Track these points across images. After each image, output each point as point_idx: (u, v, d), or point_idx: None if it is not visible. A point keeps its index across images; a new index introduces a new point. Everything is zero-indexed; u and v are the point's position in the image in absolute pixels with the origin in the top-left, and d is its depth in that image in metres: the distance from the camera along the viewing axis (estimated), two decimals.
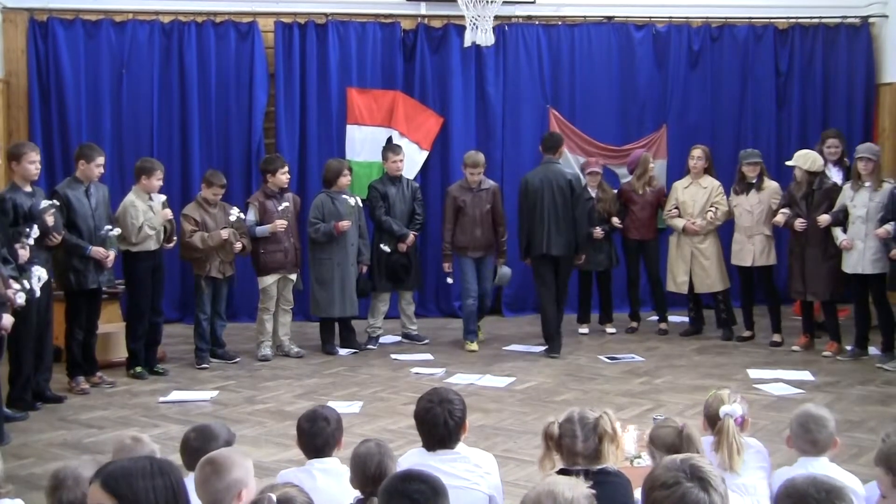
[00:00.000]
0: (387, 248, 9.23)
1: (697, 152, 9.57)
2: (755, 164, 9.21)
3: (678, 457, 2.64)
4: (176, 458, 3.81)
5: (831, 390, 7.72)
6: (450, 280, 9.55)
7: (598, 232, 9.60)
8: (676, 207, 9.54)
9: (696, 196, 9.46)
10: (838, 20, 11.24)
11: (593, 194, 9.76)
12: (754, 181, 9.20)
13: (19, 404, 7.15)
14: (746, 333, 9.56)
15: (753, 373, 8.17)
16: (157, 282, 8.37)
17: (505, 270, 9.47)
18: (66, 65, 10.10)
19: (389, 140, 10.17)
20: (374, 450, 3.62)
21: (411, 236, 9.27)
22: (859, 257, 8.48)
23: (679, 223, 9.48)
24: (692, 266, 9.48)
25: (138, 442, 3.91)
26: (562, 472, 3.55)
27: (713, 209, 9.35)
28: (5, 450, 6.01)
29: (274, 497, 2.70)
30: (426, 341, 9.53)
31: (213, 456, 3.40)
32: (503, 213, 9.36)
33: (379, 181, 9.52)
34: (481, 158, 9.24)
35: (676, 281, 9.63)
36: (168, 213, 8.33)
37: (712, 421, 4.13)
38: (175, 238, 8.48)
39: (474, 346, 9.17)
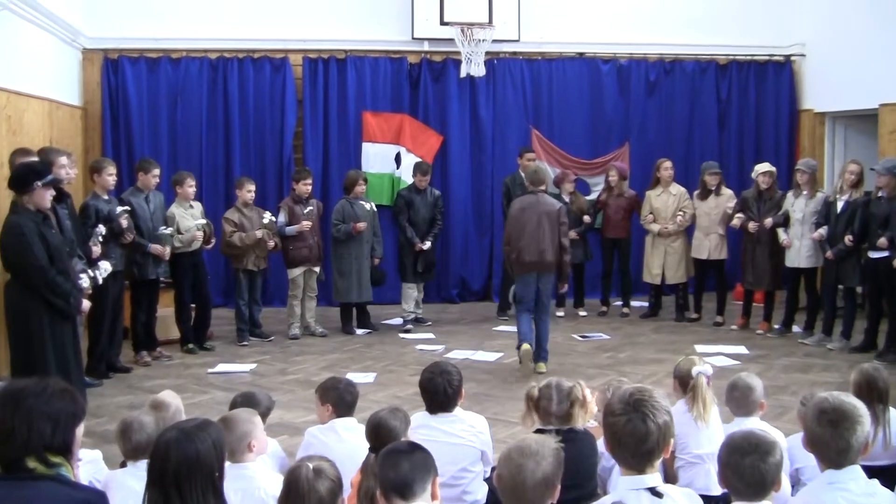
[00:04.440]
0: (424, 246, 9.20)
1: (669, 163, 9.60)
2: (716, 174, 9.27)
3: (629, 389, 2.67)
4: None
5: (762, 361, 7.79)
6: None
7: (573, 234, 9.65)
8: (651, 213, 9.58)
9: (668, 202, 9.49)
10: (767, 58, 11.32)
11: (567, 199, 9.81)
12: (713, 188, 9.25)
13: (95, 373, 7.27)
14: (694, 315, 9.62)
15: (700, 348, 8.21)
16: (200, 276, 8.39)
17: None
18: (132, 94, 10.12)
19: (421, 163, 9.71)
20: (384, 415, 3.59)
21: (418, 245, 9.21)
22: (796, 254, 8.56)
23: (655, 227, 9.50)
24: (665, 261, 9.52)
25: (157, 409, 3.88)
26: (538, 431, 3.60)
27: (682, 213, 9.40)
28: None
29: (311, 465, 2.74)
30: (429, 323, 9.57)
31: (225, 416, 3.49)
32: None
33: (406, 190, 9.53)
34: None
35: (652, 273, 9.66)
36: (202, 222, 8.32)
37: (684, 381, 4.13)
38: (213, 240, 8.52)
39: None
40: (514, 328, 9.10)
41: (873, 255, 7.84)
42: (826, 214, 8.27)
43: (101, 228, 7.05)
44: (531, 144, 10.74)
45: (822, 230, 8.23)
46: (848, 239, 7.94)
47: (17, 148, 6.82)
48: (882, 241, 7.60)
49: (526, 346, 7.33)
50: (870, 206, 7.90)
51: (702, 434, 4.01)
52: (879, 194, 7.85)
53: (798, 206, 8.54)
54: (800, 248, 8.51)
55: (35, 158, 6.36)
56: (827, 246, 8.19)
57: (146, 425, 3.49)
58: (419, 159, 10.13)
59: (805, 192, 8.51)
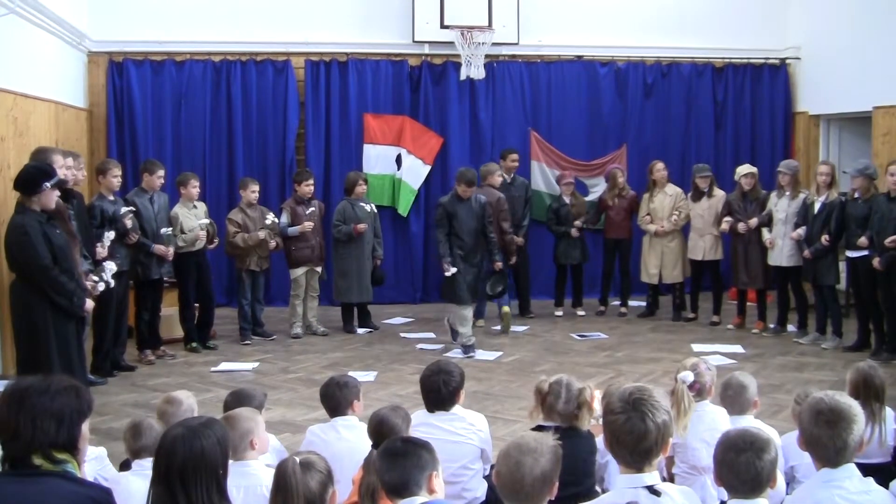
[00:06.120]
0: (449, 271, 7.99)
1: (661, 164, 9.58)
2: (706, 177, 9.27)
3: (629, 388, 2.65)
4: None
5: (758, 360, 7.78)
6: None
7: (575, 231, 9.64)
8: (648, 214, 9.57)
9: (664, 202, 9.48)
10: (762, 61, 11.30)
11: (567, 201, 9.80)
12: (705, 190, 9.26)
13: (100, 372, 7.27)
14: (691, 315, 9.60)
15: (696, 347, 8.21)
16: (204, 275, 8.37)
17: None
18: (137, 96, 10.11)
19: (465, 171, 8.25)
20: (386, 412, 3.62)
21: (447, 268, 7.98)
22: (779, 253, 8.58)
23: (652, 228, 9.50)
24: (662, 261, 9.52)
25: (170, 404, 3.90)
26: (537, 428, 3.58)
27: (677, 213, 9.40)
28: None
29: (298, 460, 2.71)
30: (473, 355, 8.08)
31: (228, 414, 3.50)
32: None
33: (448, 200, 8.15)
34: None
35: (649, 273, 9.64)
36: (205, 221, 8.32)
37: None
38: (217, 240, 8.51)
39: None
40: (514, 328, 9.16)
41: (851, 254, 7.90)
42: (805, 215, 8.33)
43: (112, 233, 7.07)
44: (529, 146, 10.74)
45: (801, 230, 8.30)
46: (825, 238, 8.00)
47: (38, 147, 6.80)
48: (862, 240, 7.67)
49: (506, 308, 8.54)
50: (847, 207, 7.97)
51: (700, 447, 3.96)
52: (855, 195, 7.92)
53: (781, 206, 8.59)
54: (782, 247, 8.55)
55: (47, 159, 6.34)
56: (805, 245, 8.25)
57: (155, 427, 3.51)
58: (419, 160, 10.12)
59: (787, 193, 8.55)
